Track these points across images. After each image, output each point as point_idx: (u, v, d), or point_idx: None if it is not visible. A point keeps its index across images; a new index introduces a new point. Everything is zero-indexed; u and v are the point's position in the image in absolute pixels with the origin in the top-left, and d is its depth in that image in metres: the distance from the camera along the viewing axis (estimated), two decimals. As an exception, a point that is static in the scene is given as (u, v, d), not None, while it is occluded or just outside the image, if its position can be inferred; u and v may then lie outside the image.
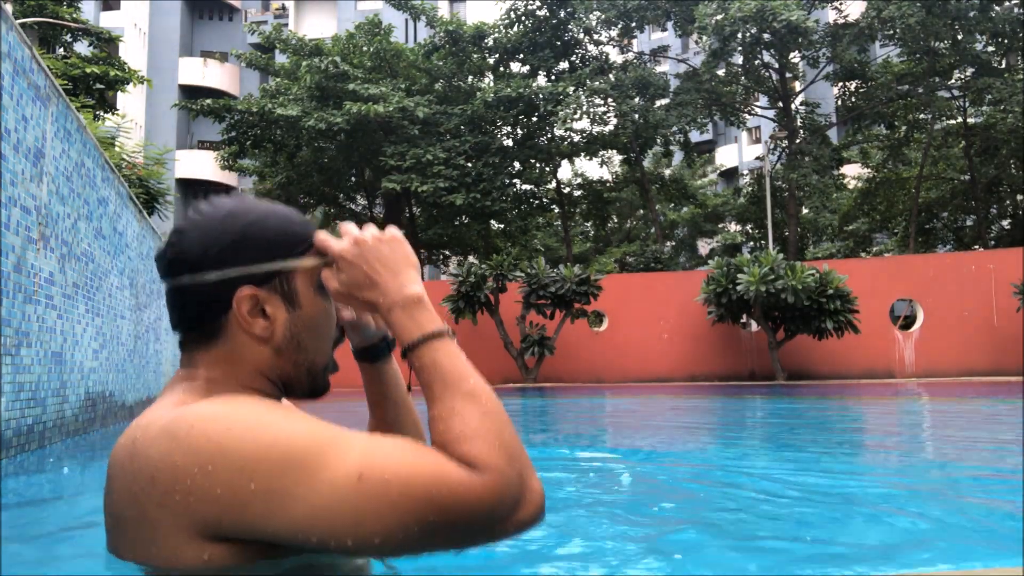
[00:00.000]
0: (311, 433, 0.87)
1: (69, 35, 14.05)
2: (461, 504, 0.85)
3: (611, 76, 23.74)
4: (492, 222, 24.93)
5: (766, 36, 20.01)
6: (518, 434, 0.93)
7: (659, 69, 27.44)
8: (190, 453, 0.83)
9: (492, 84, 24.14)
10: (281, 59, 27.38)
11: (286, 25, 35.23)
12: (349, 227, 1.05)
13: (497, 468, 0.88)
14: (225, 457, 0.82)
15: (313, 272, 1.04)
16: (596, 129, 24.21)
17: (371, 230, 1.05)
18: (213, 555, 0.85)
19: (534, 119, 22.81)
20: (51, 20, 12.35)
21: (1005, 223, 26.82)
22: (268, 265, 1.00)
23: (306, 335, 1.04)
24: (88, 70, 12.31)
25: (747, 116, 26.66)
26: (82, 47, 15.21)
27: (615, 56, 27.75)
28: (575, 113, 22.20)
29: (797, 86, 25.65)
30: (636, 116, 22.06)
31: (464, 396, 0.93)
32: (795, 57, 23.32)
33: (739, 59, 23.38)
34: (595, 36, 24.26)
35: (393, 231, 1.06)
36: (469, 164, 21.96)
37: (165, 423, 0.88)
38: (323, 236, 1.04)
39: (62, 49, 14.24)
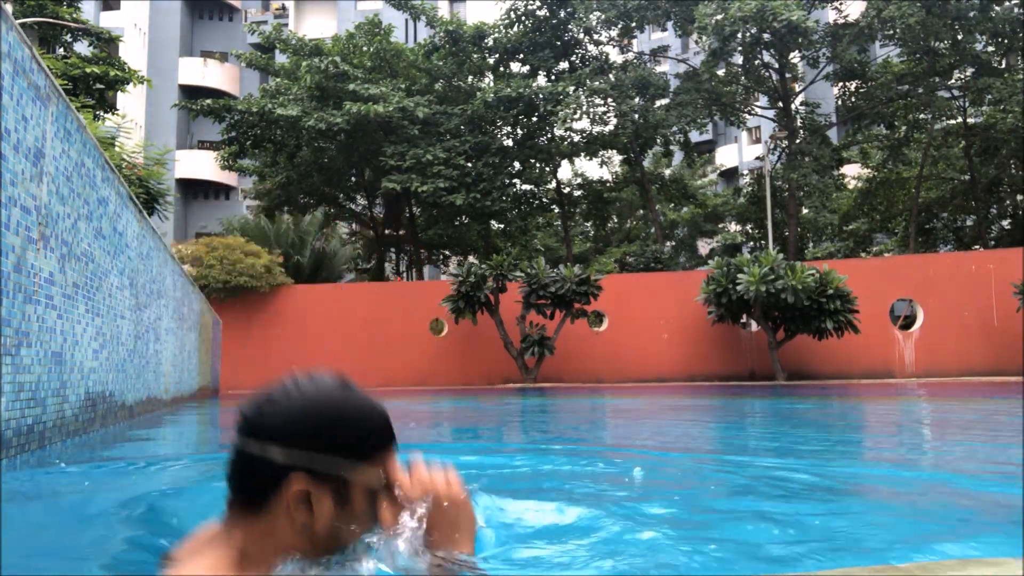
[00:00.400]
0: None
1: (69, 35, 14.06)
2: None
3: (611, 76, 23.74)
4: (492, 222, 24.94)
5: (766, 36, 20.01)
6: None
7: (659, 69, 27.44)
8: None
9: (492, 84, 24.14)
10: (281, 59, 27.39)
11: (286, 25, 35.23)
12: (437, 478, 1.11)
13: None
14: None
15: (370, 478, 1.04)
16: (596, 129, 24.22)
17: (441, 481, 1.10)
18: None
19: (534, 119, 22.81)
20: (51, 20, 12.35)
21: (1005, 223, 26.82)
22: (331, 463, 1.00)
23: (347, 530, 1.03)
24: (88, 70, 12.31)
25: (747, 116, 26.66)
26: (82, 47, 15.21)
27: (615, 56, 27.75)
28: (575, 113, 22.20)
29: (797, 86, 25.66)
30: (636, 116, 22.06)
31: None
32: (795, 57, 23.32)
33: (739, 59, 23.38)
34: (595, 36, 24.26)
35: (457, 488, 1.11)
36: (469, 164, 21.97)
37: None
38: (403, 481, 1.08)
39: (62, 49, 14.24)
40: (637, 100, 22.90)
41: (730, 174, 41.36)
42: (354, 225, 30.14)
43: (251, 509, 1.02)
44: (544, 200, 25.89)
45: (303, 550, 1.02)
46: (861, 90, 23.99)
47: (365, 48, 23.92)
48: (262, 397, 1.04)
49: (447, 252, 28.60)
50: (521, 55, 23.72)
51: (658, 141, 23.97)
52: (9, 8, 5.63)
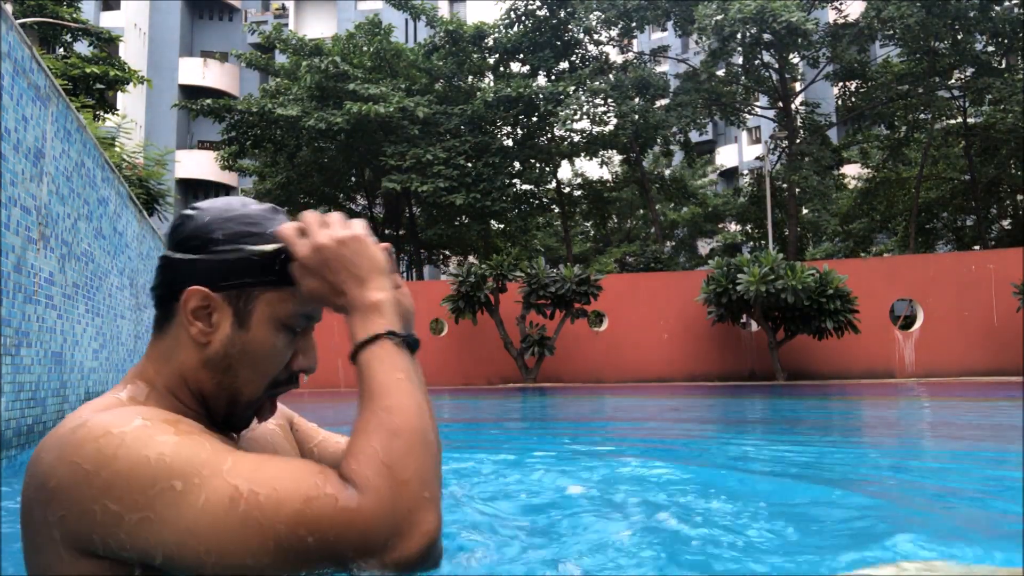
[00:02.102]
0: (190, 454, 0.83)
1: (69, 35, 14.06)
2: (329, 523, 0.81)
3: (611, 76, 23.74)
4: (492, 222, 24.94)
5: (766, 36, 20.01)
6: (439, 464, 0.88)
7: (659, 69, 27.44)
8: (72, 466, 0.82)
9: (492, 84, 24.14)
10: (281, 59, 27.38)
11: (286, 25, 35.22)
12: (310, 223, 0.99)
13: (375, 491, 0.82)
14: (99, 474, 0.81)
15: (277, 302, 1.00)
16: (596, 129, 24.23)
17: (333, 230, 0.99)
18: (86, 571, 0.83)
19: (534, 119, 22.81)
20: (51, 20, 12.35)
21: (1005, 223, 26.82)
22: (229, 267, 0.96)
23: (240, 360, 0.99)
24: (88, 70, 12.31)
25: (747, 116, 26.66)
26: (82, 47, 15.21)
27: (615, 56, 27.75)
28: (575, 114, 22.20)
29: (797, 86, 25.66)
30: (636, 116, 22.06)
31: (378, 410, 0.88)
32: (795, 57, 23.32)
33: (739, 59, 23.38)
34: (595, 36, 24.25)
35: (356, 228, 1.00)
36: (469, 164, 21.96)
37: (63, 431, 0.87)
38: (287, 232, 0.99)
39: (62, 49, 14.25)
40: (637, 100, 22.91)
41: (730, 174, 41.37)
42: (354, 225, 30.11)
43: (158, 329, 1.01)
44: (544, 200, 25.89)
45: (193, 376, 0.99)
46: (861, 90, 23.98)
47: (365, 48, 23.92)
48: (186, 208, 1.03)
49: (447, 252, 28.60)
50: (521, 55, 23.72)
51: (658, 141, 23.98)
52: (9, 8, 5.62)
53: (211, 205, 1.02)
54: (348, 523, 0.81)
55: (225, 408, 1.02)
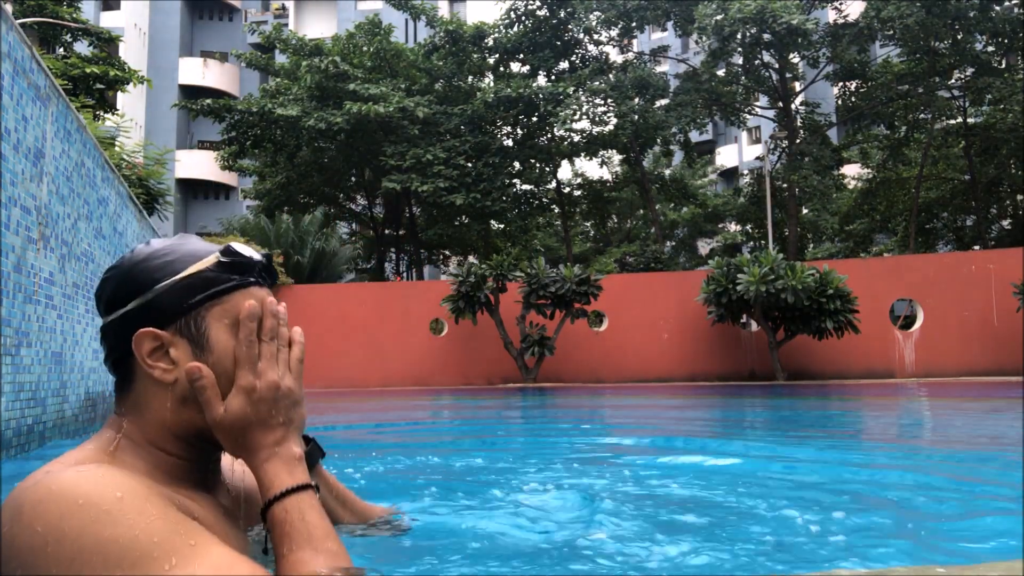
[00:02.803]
0: (161, 536, 0.79)
1: (69, 35, 14.06)
2: None
3: (611, 76, 23.74)
4: (492, 222, 24.94)
5: (766, 36, 20.02)
6: None
7: (659, 69, 27.44)
8: (28, 533, 0.77)
9: (492, 84, 24.14)
10: (281, 59, 27.40)
11: (286, 25, 35.24)
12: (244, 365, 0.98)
13: None
14: (58, 546, 0.75)
15: (226, 311, 0.99)
16: (596, 129, 24.24)
17: (269, 374, 0.98)
18: None
19: (534, 119, 22.82)
20: (51, 20, 12.35)
21: (1005, 223, 26.82)
22: (173, 306, 0.96)
23: (217, 381, 0.97)
24: (88, 70, 12.31)
25: (747, 116, 26.66)
26: (82, 47, 15.21)
27: (615, 56, 27.78)
28: (575, 114, 22.20)
29: (797, 86, 25.66)
30: (636, 117, 22.07)
31: (327, 553, 0.89)
32: (795, 58, 23.32)
33: (739, 59, 23.38)
34: (595, 36, 24.26)
35: (287, 380, 1.00)
36: (469, 164, 21.97)
37: (24, 489, 0.82)
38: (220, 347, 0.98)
39: (62, 49, 14.25)
40: (637, 101, 22.91)
41: (730, 174, 41.38)
42: (354, 225, 30.15)
43: (121, 387, 1.00)
44: (544, 200, 25.89)
45: (176, 420, 0.97)
46: (861, 90, 23.99)
47: (365, 48, 23.92)
48: (102, 277, 1.03)
49: (447, 252, 28.60)
50: (521, 55, 23.73)
51: (658, 141, 24.00)
52: (9, 8, 5.63)
53: (121, 260, 1.02)
54: None
55: None
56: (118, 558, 0.76)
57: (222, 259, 1.00)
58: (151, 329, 0.95)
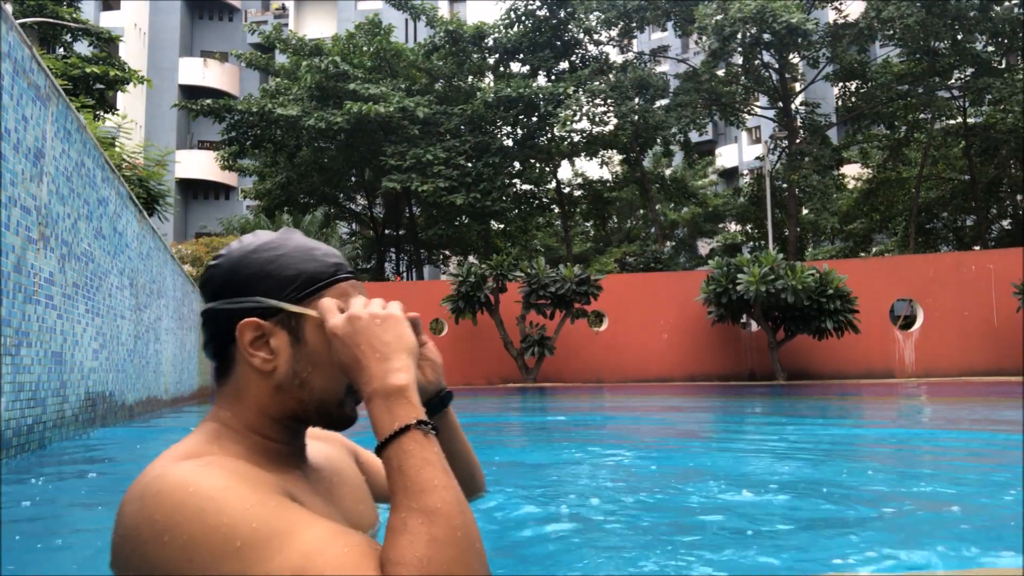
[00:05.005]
0: (262, 521, 0.83)
1: (69, 35, 14.07)
2: None
3: (610, 76, 23.74)
4: (492, 222, 24.95)
5: (766, 36, 20.02)
6: (485, 562, 0.84)
7: (659, 69, 27.44)
8: (148, 522, 0.84)
9: (492, 84, 24.14)
10: (281, 59, 27.39)
11: (286, 25, 35.23)
12: (355, 301, 1.02)
13: None
14: (172, 533, 0.82)
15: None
16: (596, 129, 24.24)
17: (373, 306, 1.01)
18: None
19: (534, 119, 22.83)
20: (51, 20, 12.36)
21: (1005, 223, 26.81)
22: (268, 302, 1.00)
23: (312, 372, 1.02)
24: (88, 70, 12.32)
25: (747, 116, 26.65)
26: (82, 47, 15.21)
27: (615, 56, 27.77)
28: (575, 115, 22.20)
29: (797, 86, 25.66)
30: (635, 117, 22.07)
31: (420, 512, 0.84)
32: (795, 58, 23.32)
33: (739, 59, 23.38)
34: (595, 36, 24.26)
35: (393, 309, 1.01)
36: (469, 164, 21.97)
37: (144, 483, 0.88)
38: (326, 305, 1.01)
39: (62, 49, 14.25)
40: (637, 101, 22.91)
41: (730, 174, 41.38)
42: (354, 225, 30.16)
43: (222, 377, 1.05)
44: (544, 200, 25.89)
45: (273, 404, 1.02)
46: (861, 90, 23.98)
47: (365, 48, 23.92)
48: (210, 263, 1.08)
49: (447, 252, 28.59)
50: (521, 55, 23.73)
51: (658, 141, 24.00)
52: (9, 8, 5.62)
53: (229, 250, 1.07)
54: None
55: (318, 417, 1.05)
56: (223, 543, 0.81)
57: (324, 258, 1.07)
58: (255, 319, 1.00)
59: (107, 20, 33.72)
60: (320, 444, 1.22)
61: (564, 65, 24.39)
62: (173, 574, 0.82)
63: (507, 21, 23.25)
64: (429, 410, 1.22)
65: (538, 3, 22.94)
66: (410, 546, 0.81)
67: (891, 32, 20.55)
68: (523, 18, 23.16)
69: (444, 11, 35.03)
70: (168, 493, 0.85)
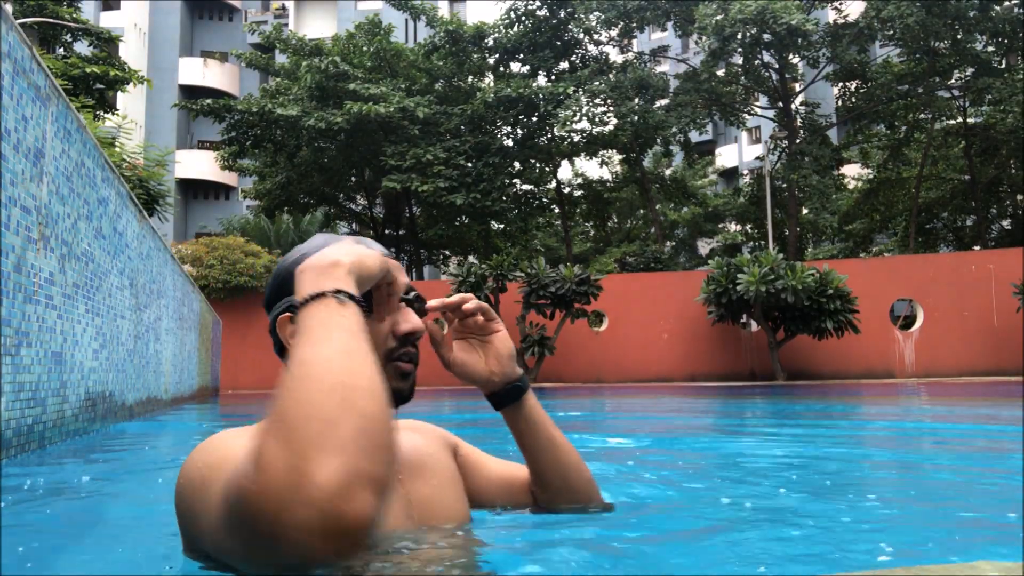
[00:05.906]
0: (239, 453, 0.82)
1: (69, 35, 14.07)
2: (240, 501, 0.69)
3: (610, 76, 23.74)
4: (492, 222, 24.94)
5: (766, 37, 20.03)
6: (369, 425, 0.70)
7: (659, 69, 27.45)
8: (195, 468, 0.96)
9: (492, 84, 24.14)
10: (281, 59, 27.39)
11: (286, 25, 35.24)
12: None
13: (263, 448, 0.67)
14: (189, 481, 0.95)
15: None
16: (596, 129, 24.25)
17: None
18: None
19: (534, 119, 22.83)
20: (51, 20, 12.36)
21: (1005, 223, 26.82)
22: (294, 300, 0.94)
23: None
24: (88, 70, 12.32)
25: (747, 116, 26.65)
26: (82, 47, 15.22)
27: (615, 56, 27.77)
28: (575, 115, 22.21)
29: (797, 86, 25.66)
30: (635, 117, 22.07)
31: (293, 368, 0.75)
32: (795, 58, 23.33)
33: (739, 59, 23.39)
34: (595, 36, 24.26)
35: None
36: (469, 164, 21.97)
37: (195, 448, 1.02)
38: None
39: (62, 49, 14.25)
40: (637, 101, 22.91)
41: (730, 174, 41.38)
42: (354, 225, 30.16)
43: None
44: (544, 200, 25.89)
45: None
46: (861, 90, 23.99)
47: (365, 48, 23.92)
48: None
49: (447, 252, 28.59)
50: (521, 55, 23.73)
51: (658, 141, 24.00)
52: (9, 8, 5.63)
53: (281, 260, 1.20)
54: (245, 493, 0.68)
55: None
56: (207, 483, 0.91)
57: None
58: (287, 315, 1.09)
59: (107, 20, 33.72)
60: (411, 435, 1.29)
61: (564, 65, 24.39)
62: (186, 520, 0.96)
63: (507, 21, 23.26)
64: (499, 402, 1.27)
65: (538, 3, 22.95)
66: (275, 404, 0.72)
67: (891, 32, 20.55)
68: (523, 18, 23.16)
69: (444, 11, 35.02)
70: (208, 443, 0.99)
